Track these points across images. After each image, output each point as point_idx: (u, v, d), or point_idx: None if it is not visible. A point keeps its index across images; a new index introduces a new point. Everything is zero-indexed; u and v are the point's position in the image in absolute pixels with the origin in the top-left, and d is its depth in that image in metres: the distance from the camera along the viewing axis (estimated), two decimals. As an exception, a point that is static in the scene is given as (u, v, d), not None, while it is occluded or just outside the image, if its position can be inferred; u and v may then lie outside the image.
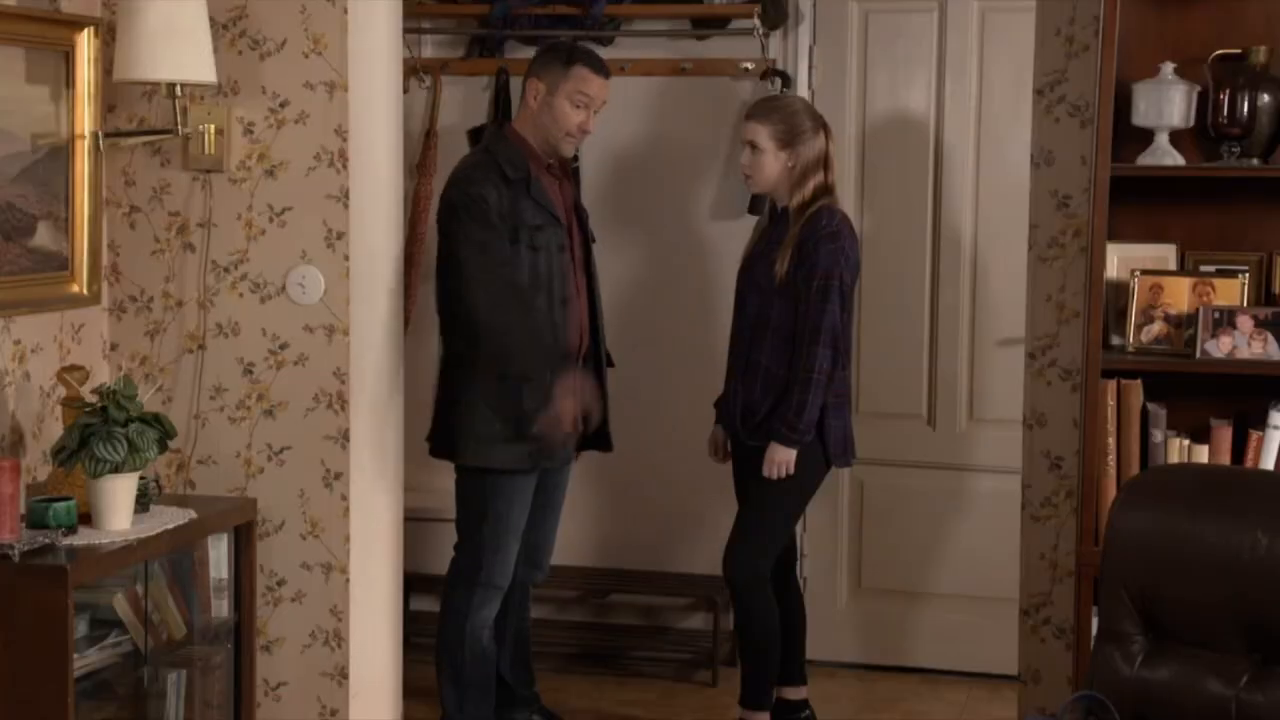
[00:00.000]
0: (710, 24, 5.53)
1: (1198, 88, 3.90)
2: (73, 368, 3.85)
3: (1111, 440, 3.82)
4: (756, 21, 5.37)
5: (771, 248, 4.59)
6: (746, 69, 5.48)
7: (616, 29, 5.59)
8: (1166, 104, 3.89)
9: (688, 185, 5.59)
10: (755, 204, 5.24)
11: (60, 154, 3.94)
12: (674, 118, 5.59)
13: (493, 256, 4.32)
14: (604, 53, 5.44)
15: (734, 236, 5.20)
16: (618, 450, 4.77)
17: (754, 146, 4.60)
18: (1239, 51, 3.88)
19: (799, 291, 4.50)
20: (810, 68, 5.52)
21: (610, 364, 4.71)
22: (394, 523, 4.38)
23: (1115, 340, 3.96)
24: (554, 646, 5.52)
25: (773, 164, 4.58)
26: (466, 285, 4.33)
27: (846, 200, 5.43)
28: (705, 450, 4.88)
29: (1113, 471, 3.82)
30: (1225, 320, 3.79)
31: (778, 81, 5.41)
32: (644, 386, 5.55)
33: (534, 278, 4.37)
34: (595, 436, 4.65)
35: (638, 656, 5.60)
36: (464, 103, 5.70)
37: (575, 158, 5.37)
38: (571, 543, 5.47)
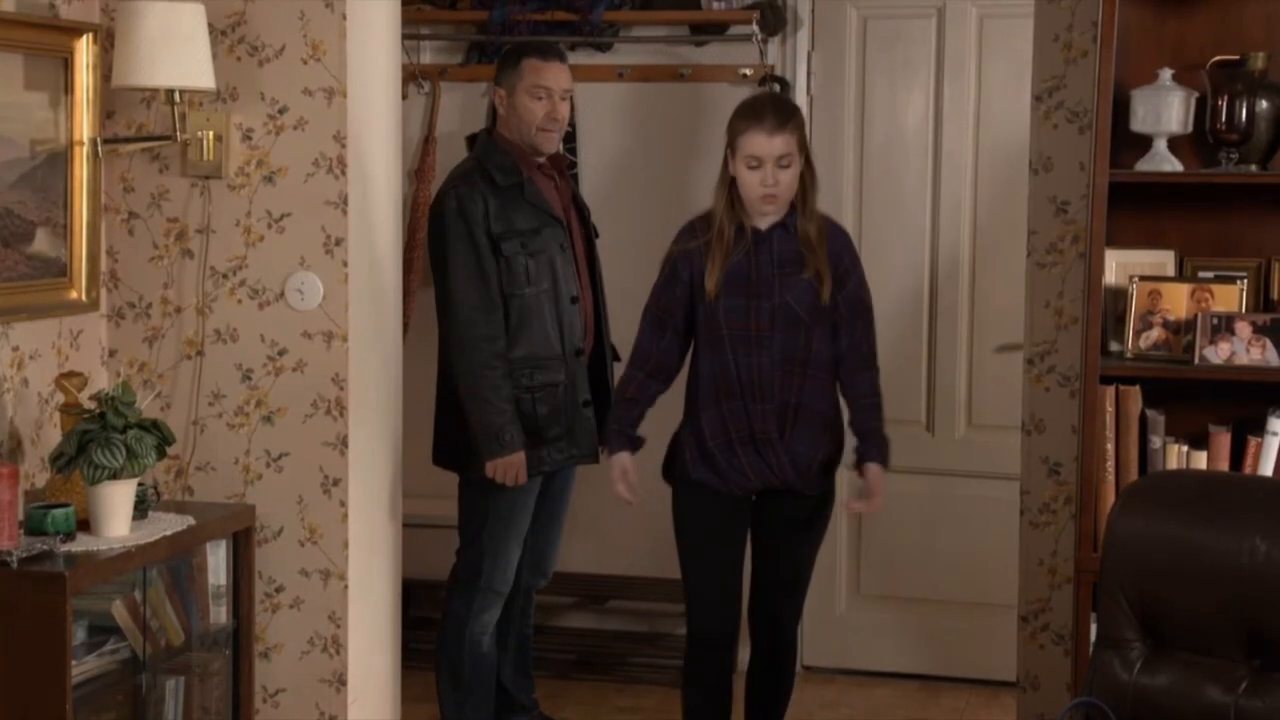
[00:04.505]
0: (709, 30, 5.53)
1: (1196, 94, 3.90)
2: (71, 374, 3.85)
3: (1110, 446, 3.82)
4: (755, 27, 5.37)
5: (785, 271, 4.05)
6: (745, 75, 5.47)
7: (615, 35, 5.59)
8: (1165, 110, 3.89)
9: (686, 191, 5.58)
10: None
11: (59, 160, 3.94)
12: (672, 124, 5.58)
13: (484, 277, 4.33)
14: (603, 59, 5.47)
15: (733, 242, 5.19)
16: (617, 455, 4.75)
17: (784, 163, 4.01)
18: (1237, 57, 3.88)
19: (839, 314, 4.08)
20: (809, 74, 5.52)
21: (616, 358, 4.71)
22: (393, 529, 4.37)
23: (1114, 346, 3.96)
24: (553, 653, 5.52)
25: (797, 175, 4.05)
26: (455, 335, 4.34)
27: (845, 206, 5.44)
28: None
29: (1111, 478, 3.82)
30: (1224, 326, 3.79)
31: (776, 88, 5.41)
32: (643, 392, 5.53)
33: (534, 282, 4.37)
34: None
35: (637, 663, 5.60)
36: (463, 108, 5.70)
37: (573, 163, 5.38)
38: (570, 549, 5.46)
